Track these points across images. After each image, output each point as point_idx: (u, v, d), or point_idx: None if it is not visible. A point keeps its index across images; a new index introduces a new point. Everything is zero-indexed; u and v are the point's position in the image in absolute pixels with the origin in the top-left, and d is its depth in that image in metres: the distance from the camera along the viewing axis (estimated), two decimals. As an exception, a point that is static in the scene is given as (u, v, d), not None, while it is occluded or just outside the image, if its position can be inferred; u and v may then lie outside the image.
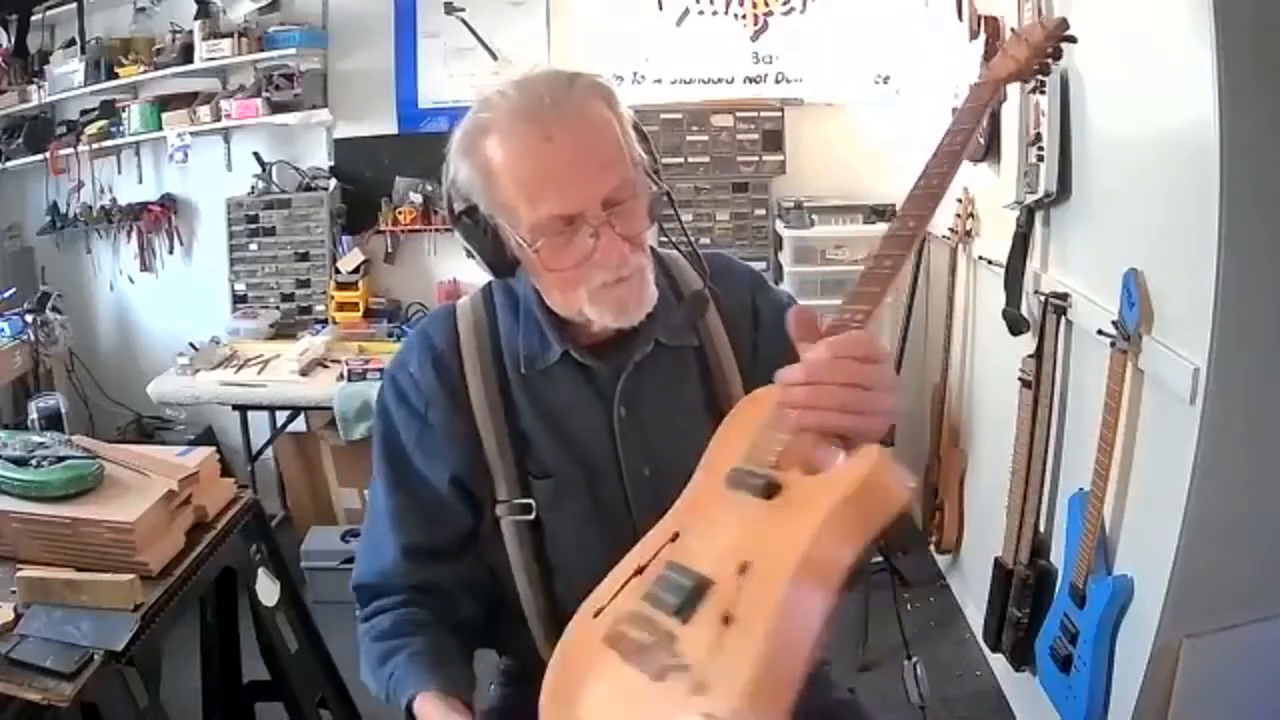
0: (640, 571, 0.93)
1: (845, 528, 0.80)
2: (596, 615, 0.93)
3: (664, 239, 1.14)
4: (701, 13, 3.28)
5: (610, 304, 1.03)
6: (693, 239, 1.16)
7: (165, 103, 3.45)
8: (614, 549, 0.99)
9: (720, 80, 3.32)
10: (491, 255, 1.07)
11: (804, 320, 0.90)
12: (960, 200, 2.68)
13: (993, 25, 2.40)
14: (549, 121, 0.96)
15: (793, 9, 3.27)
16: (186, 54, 3.35)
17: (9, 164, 3.55)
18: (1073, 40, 1.06)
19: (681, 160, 3.30)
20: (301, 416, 3.29)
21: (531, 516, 1.10)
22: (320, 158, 3.48)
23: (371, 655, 1.09)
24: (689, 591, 0.83)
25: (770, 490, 0.86)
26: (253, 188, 3.47)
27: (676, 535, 0.93)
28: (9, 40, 3.57)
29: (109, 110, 3.51)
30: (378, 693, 1.08)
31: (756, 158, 3.32)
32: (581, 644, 0.93)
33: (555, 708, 0.87)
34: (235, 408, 3.11)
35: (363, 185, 3.45)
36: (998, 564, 2.28)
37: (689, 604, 0.83)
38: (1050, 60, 1.07)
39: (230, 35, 3.29)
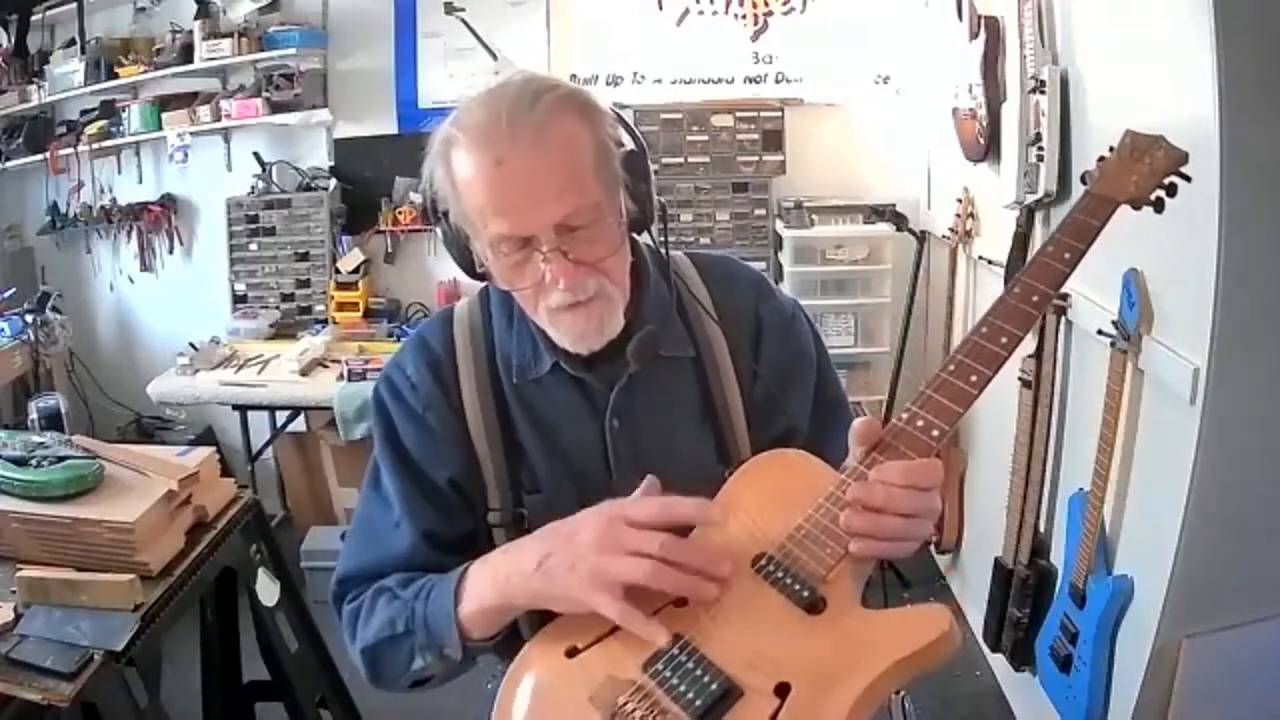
0: None
1: (899, 675, 0.82)
2: (571, 655, 0.89)
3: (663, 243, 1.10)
4: (701, 13, 3.28)
5: (566, 327, 1.00)
6: (692, 242, 1.14)
7: (165, 103, 3.46)
8: None
9: (720, 80, 3.33)
10: (462, 260, 1.06)
11: (866, 429, 0.91)
12: (960, 200, 2.68)
13: (993, 25, 2.39)
14: (501, 144, 0.93)
15: (793, 9, 3.27)
16: (186, 54, 3.35)
17: (9, 164, 3.55)
18: (1187, 179, 0.97)
19: (681, 160, 3.31)
20: (301, 416, 3.29)
21: (524, 526, 1.07)
22: (320, 158, 3.49)
23: (384, 608, 1.02)
24: (715, 695, 0.80)
25: (816, 605, 0.85)
26: (253, 188, 3.48)
27: (684, 600, 0.88)
28: (9, 40, 3.57)
29: (109, 110, 3.52)
30: (391, 628, 1.00)
31: (756, 158, 3.32)
32: (557, 688, 0.88)
33: None
34: (235, 408, 3.12)
35: (363, 185, 3.45)
36: (998, 564, 2.28)
37: (715, 710, 0.80)
38: (1165, 195, 0.98)
39: (230, 35, 3.29)
